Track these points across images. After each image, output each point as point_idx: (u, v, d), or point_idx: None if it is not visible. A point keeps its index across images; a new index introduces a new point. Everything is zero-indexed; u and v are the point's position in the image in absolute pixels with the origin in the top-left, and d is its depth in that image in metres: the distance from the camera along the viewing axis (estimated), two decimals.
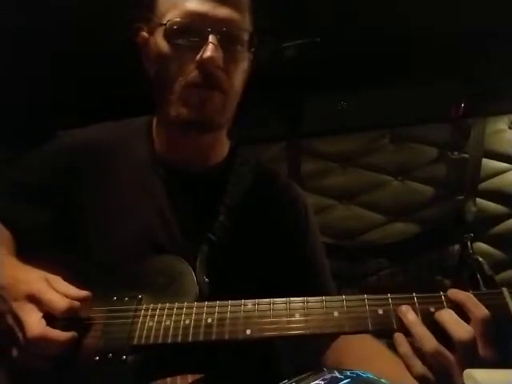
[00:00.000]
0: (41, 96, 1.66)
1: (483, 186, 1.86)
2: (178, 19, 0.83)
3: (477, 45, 1.54)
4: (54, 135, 1.00)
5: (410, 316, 0.67)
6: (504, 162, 1.86)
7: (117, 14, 0.98)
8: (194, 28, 0.83)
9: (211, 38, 0.82)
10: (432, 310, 0.67)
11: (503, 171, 1.86)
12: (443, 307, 0.67)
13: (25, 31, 1.41)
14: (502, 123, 1.87)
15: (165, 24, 0.84)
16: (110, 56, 1.47)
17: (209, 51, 0.81)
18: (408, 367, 0.65)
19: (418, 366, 0.64)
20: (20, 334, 0.73)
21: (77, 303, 0.76)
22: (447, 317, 0.66)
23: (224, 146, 0.99)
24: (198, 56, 0.82)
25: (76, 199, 0.94)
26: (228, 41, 0.84)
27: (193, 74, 0.84)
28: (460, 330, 0.64)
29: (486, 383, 0.53)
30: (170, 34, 0.84)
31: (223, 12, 0.83)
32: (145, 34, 0.90)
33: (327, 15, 1.45)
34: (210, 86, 0.84)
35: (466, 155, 1.86)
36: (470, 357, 0.63)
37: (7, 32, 1.40)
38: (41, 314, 0.75)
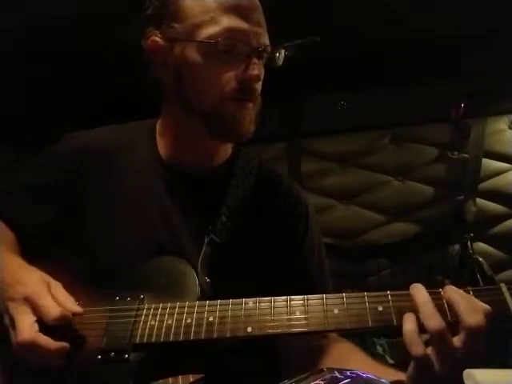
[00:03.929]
0: (41, 96, 1.66)
1: (483, 186, 1.86)
2: (223, 39, 0.82)
3: (477, 45, 1.55)
4: (60, 137, 1.01)
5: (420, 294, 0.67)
6: (504, 162, 1.87)
7: (118, 14, 0.98)
8: (238, 47, 0.84)
9: (254, 55, 0.85)
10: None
11: (503, 171, 1.87)
12: (442, 303, 0.67)
13: (25, 31, 1.41)
14: (502, 123, 1.88)
15: (204, 41, 0.83)
16: (109, 56, 1.47)
17: (256, 70, 0.85)
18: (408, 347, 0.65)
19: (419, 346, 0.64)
20: (13, 335, 0.73)
21: (69, 314, 0.76)
22: (422, 304, 0.66)
23: (227, 148, 1.00)
24: (241, 72, 0.84)
25: (80, 200, 0.94)
26: (261, 57, 0.87)
27: (230, 86, 0.85)
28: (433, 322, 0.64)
29: (486, 383, 0.54)
30: (211, 51, 0.83)
31: (260, 31, 0.86)
32: (157, 39, 0.88)
33: (327, 15, 1.45)
34: (248, 99, 0.86)
35: (465, 155, 1.87)
36: (442, 351, 0.63)
37: (7, 32, 1.40)
38: (34, 318, 0.74)
